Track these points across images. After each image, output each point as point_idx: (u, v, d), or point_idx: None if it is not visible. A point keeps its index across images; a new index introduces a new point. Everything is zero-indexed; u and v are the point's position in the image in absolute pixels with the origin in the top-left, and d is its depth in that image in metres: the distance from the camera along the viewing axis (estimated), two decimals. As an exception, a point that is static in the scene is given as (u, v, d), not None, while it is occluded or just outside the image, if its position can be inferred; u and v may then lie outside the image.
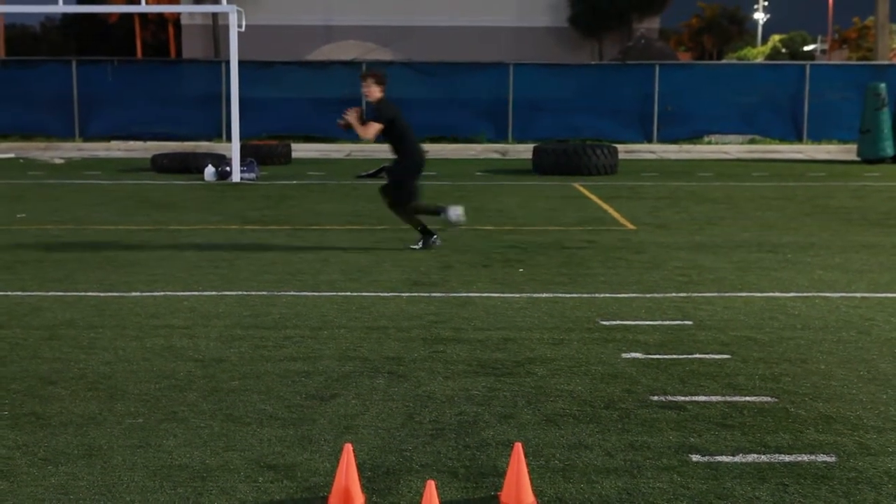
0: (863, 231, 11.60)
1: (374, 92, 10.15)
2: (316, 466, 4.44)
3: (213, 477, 4.32)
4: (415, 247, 10.23)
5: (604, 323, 7.09)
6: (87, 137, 28.02)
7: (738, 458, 4.55)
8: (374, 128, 10.00)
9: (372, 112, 10.08)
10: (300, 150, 24.57)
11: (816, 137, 28.33)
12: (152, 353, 6.26)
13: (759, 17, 78.59)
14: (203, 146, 26.14)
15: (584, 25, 44.85)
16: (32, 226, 11.91)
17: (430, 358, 6.18)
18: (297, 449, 4.65)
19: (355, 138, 28.04)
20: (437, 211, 10.34)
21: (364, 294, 8.04)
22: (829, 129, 28.23)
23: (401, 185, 10.22)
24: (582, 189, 16.42)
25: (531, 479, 4.18)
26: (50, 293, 8.05)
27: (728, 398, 5.40)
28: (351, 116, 10.16)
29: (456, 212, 10.30)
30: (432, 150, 26.63)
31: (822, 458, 4.56)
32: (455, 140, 28.22)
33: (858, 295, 8.07)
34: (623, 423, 5.00)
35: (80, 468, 4.41)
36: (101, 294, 8.01)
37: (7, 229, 11.64)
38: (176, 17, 54.35)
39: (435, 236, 10.29)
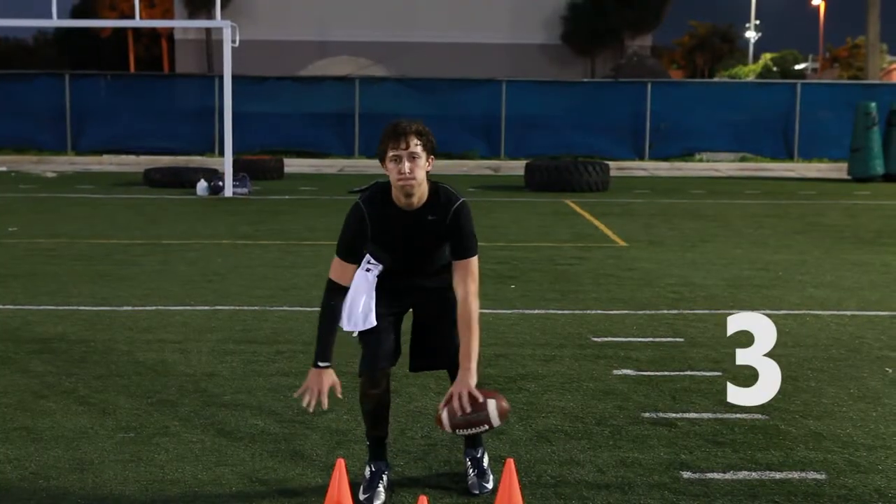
0: (854, 249, 11.64)
1: None
2: (308, 481, 4.44)
3: (204, 492, 4.31)
4: None
5: (595, 339, 7.10)
6: (79, 151, 28.03)
7: (728, 476, 4.56)
8: None
9: None
10: (293, 165, 24.61)
11: (807, 156, 28.47)
12: (144, 368, 6.25)
13: (751, 35, 78.97)
14: (195, 161, 26.16)
15: (577, 43, 45.04)
16: (24, 239, 11.89)
17: (421, 374, 6.17)
18: (289, 464, 4.65)
19: (348, 153, 28.10)
20: None
21: (356, 309, 8.02)
22: (819, 148, 28.39)
23: None
24: (574, 206, 16.46)
25: (523, 495, 4.19)
26: (42, 307, 8.04)
27: (719, 415, 5.41)
28: None
29: None
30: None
31: (812, 475, 4.58)
32: (448, 156, 28.26)
33: (849, 313, 8.10)
34: (614, 440, 5.01)
35: (72, 483, 4.40)
36: (93, 308, 8.00)
37: (-1, 243, 11.62)
38: (169, 32, 54.40)
39: None
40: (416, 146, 4.07)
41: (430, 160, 4.14)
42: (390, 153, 4.07)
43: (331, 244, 12.16)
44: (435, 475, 4.53)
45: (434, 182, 4.23)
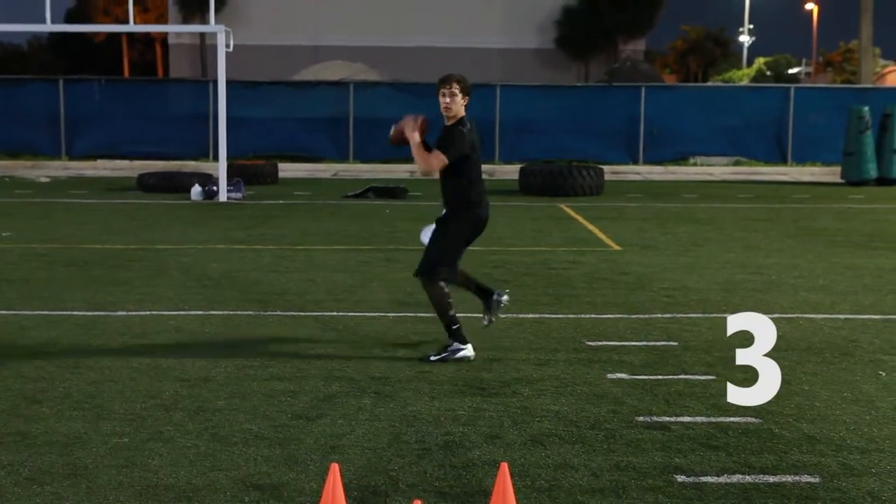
0: (847, 253, 11.67)
1: None
2: (302, 486, 4.44)
3: (199, 497, 4.32)
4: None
5: (589, 343, 7.11)
6: (73, 156, 27.96)
7: (722, 479, 4.57)
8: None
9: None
10: (287, 169, 24.56)
11: (801, 159, 28.49)
12: (138, 373, 6.25)
13: (745, 39, 79.13)
14: (190, 165, 26.11)
15: (571, 47, 45.07)
16: (19, 244, 11.87)
17: (416, 378, 6.19)
18: (284, 469, 4.65)
19: (342, 158, 28.11)
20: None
21: (350, 314, 8.05)
22: (813, 152, 28.39)
23: None
24: (568, 210, 16.48)
25: (517, 500, 4.19)
26: (36, 312, 8.03)
27: (713, 419, 5.43)
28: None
29: None
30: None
31: (806, 478, 4.59)
32: (442, 160, 28.22)
33: (842, 317, 8.12)
34: (608, 444, 5.02)
35: (66, 488, 4.40)
36: (88, 313, 8.00)
37: (-8, 248, 11.60)
38: (163, 37, 54.38)
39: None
40: (455, 88, 6.54)
41: (465, 98, 6.59)
42: (440, 90, 6.56)
43: (325, 248, 12.07)
44: (430, 478, 4.54)
45: (464, 117, 6.57)
